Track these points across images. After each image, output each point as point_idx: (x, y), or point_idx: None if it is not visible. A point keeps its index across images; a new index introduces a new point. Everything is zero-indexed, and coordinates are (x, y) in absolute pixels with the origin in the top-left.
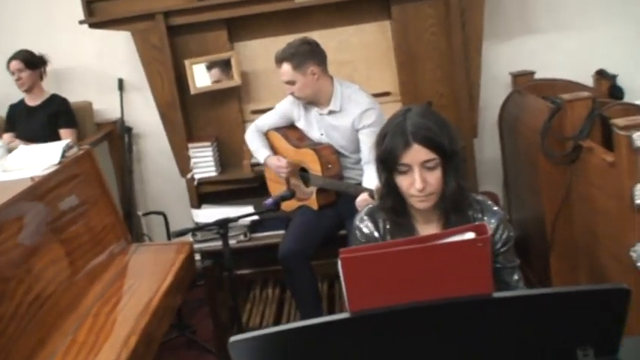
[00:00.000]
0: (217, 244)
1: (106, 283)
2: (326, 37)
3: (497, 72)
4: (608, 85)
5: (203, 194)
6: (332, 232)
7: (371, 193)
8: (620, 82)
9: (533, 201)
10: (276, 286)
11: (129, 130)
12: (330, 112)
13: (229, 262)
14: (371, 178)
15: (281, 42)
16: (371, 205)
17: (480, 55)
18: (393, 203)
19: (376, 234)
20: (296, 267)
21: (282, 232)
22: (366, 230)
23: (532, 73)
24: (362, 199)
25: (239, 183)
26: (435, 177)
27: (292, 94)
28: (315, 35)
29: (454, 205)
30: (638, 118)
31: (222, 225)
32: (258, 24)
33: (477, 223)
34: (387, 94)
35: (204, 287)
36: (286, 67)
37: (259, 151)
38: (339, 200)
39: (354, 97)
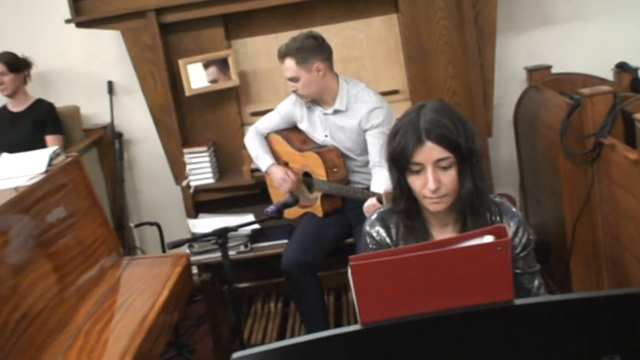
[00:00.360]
0: (216, 255)
1: (98, 299)
2: (330, 33)
3: (511, 67)
4: (629, 78)
5: (200, 203)
6: (338, 240)
7: (379, 197)
8: None
9: (552, 202)
10: (279, 300)
11: (119, 135)
12: (336, 112)
13: (229, 274)
14: (380, 182)
15: (282, 39)
16: (382, 209)
17: (493, 49)
18: (405, 206)
19: (388, 240)
20: (300, 278)
21: (285, 241)
22: (376, 236)
23: (549, 68)
24: (370, 204)
25: (238, 190)
26: (449, 177)
27: (295, 91)
28: (319, 31)
29: (471, 208)
30: None
31: (221, 235)
32: (256, 20)
33: (495, 225)
34: (395, 92)
35: (202, 302)
36: (290, 62)
37: (261, 158)
38: (346, 206)
39: (360, 95)
